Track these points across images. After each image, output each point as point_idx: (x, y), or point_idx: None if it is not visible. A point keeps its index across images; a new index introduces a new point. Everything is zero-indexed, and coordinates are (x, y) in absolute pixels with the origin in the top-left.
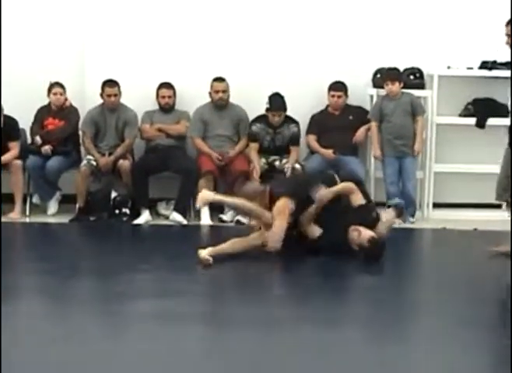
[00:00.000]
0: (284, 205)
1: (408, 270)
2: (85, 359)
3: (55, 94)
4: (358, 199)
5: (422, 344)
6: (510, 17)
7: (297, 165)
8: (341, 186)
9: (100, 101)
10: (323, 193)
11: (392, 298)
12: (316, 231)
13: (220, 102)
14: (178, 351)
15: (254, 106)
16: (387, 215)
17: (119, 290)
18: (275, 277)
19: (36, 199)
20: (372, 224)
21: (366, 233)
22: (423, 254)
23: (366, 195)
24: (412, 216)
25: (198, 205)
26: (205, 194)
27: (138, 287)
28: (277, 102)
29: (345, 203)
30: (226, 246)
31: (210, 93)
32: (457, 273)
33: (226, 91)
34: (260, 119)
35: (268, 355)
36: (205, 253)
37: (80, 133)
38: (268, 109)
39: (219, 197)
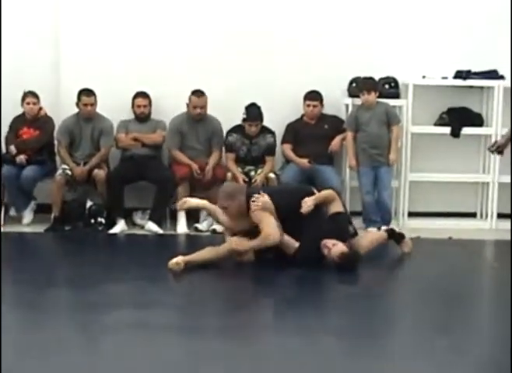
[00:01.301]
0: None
1: (384, 280)
2: (59, 369)
3: (28, 103)
4: (336, 206)
5: (399, 353)
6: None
7: (272, 175)
8: (325, 192)
9: (75, 110)
10: (308, 202)
11: (368, 308)
12: (292, 244)
13: (198, 118)
14: (153, 361)
15: (231, 116)
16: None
17: (94, 299)
18: (250, 286)
19: (12, 212)
20: (348, 237)
21: (336, 249)
22: (398, 263)
23: (343, 205)
24: (387, 225)
25: (178, 207)
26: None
27: (114, 296)
28: (254, 112)
29: (321, 212)
30: (197, 255)
31: (187, 105)
32: (432, 281)
33: (204, 106)
34: (236, 129)
35: (243, 364)
36: (176, 259)
37: (55, 142)
38: (244, 120)
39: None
